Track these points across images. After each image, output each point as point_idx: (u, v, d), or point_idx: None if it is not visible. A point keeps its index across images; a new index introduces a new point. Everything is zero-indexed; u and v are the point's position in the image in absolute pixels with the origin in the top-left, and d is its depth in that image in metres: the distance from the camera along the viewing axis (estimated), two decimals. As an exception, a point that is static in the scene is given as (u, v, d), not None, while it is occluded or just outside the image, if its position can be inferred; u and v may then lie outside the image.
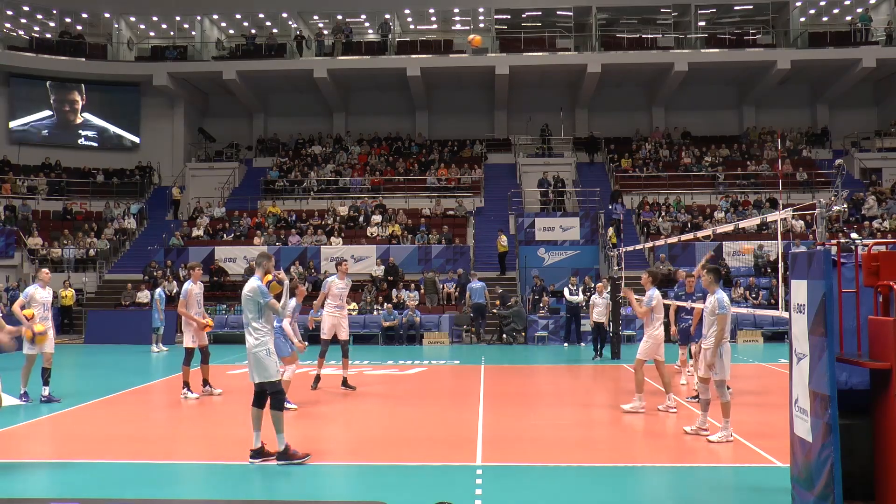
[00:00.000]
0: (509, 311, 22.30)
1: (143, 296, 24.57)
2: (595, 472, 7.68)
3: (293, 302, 10.94)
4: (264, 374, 7.72)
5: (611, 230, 26.63)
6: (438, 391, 13.53)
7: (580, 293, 21.22)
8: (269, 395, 7.76)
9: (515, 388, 13.66)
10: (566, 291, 21.53)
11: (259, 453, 7.77)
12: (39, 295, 11.65)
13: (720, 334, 8.59)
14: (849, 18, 33.97)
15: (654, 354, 10.66)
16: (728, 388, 8.82)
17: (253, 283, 7.78)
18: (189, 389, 12.04)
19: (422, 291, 24.54)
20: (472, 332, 22.96)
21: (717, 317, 8.62)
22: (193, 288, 12.24)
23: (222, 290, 25.84)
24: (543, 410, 11.01)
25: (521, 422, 10.03)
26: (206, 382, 12.45)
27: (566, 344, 21.48)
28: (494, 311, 22.83)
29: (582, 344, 21.04)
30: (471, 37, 12.48)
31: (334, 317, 12.61)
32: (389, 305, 23.24)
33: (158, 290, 21.67)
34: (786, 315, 6.57)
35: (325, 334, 12.64)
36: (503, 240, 26.29)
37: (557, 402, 11.96)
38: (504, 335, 22.33)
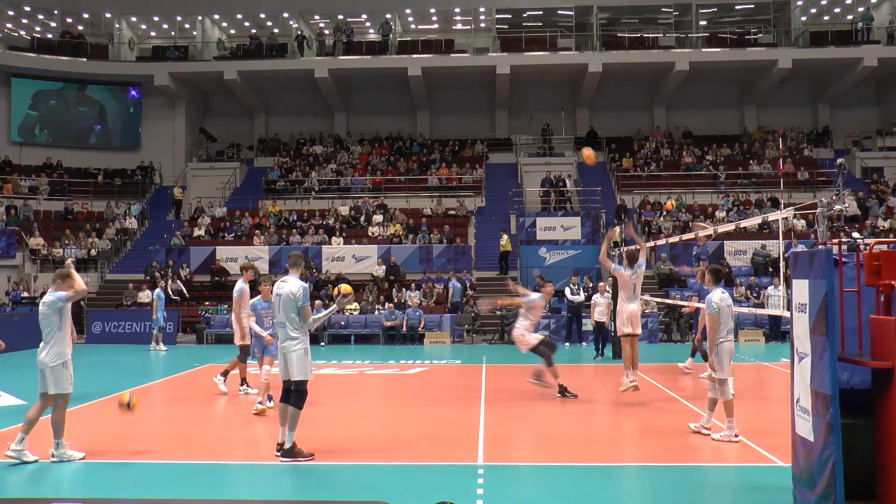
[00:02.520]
0: (512, 311, 22.27)
1: (145, 296, 24.58)
2: (596, 471, 7.68)
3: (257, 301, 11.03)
4: (301, 372, 7.80)
5: (615, 229, 26.61)
6: (440, 391, 13.52)
7: (581, 293, 21.22)
8: (294, 393, 7.84)
9: (517, 387, 13.65)
10: (567, 291, 21.52)
11: (283, 446, 7.88)
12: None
13: (710, 333, 8.83)
14: (850, 18, 33.95)
15: (622, 327, 11.00)
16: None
17: (296, 285, 7.86)
18: (248, 385, 12.30)
19: (423, 291, 24.55)
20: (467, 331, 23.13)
21: (708, 316, 8.91)
22: (246, 287, 12.36)
23: (224, 290, 25.82)
24: (545, 410, 11.01)
25: (523, 421, 10.03)
26: (225, 373, 12.58)
27: (567, 343, 21.47)
28: (498, 311, 22.87)
29: (583, 343, 21.03)
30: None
31: None
32: (391, 305, 23.24)
33: (157, 290, 21.65)
34: (787, 314, 6.57)
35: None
36: (503, 239, 26.27)
37: (559, 402, 11.94)
38: (505, 335, 22.32)
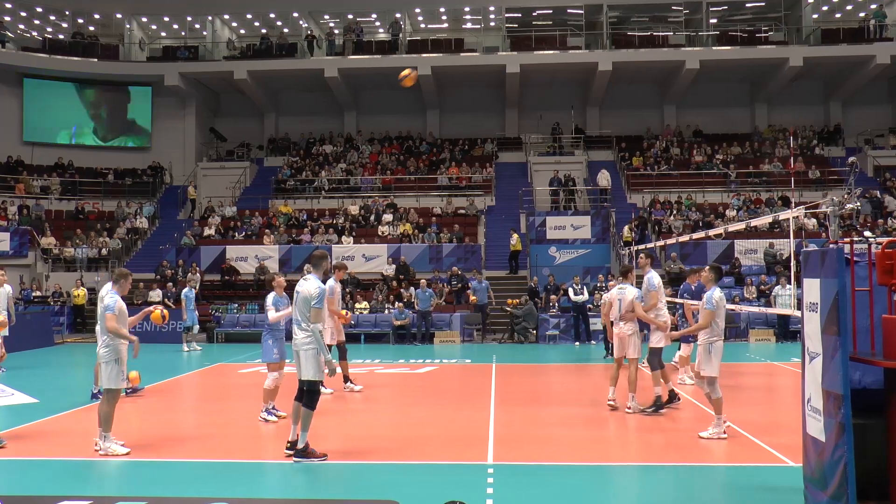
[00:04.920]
0: (521, 309, 22.28)
1: (155, 295, 24.64)
2: (606, 471, 7.66)
3: (271, 297, 10.53)
4: (313, 371, 7.83)
5: (626, 228, 26.57)
6: (450, 390, 13.52)
7: (585, 292, 21.18)
8: (305, 392, 7.87)
9: (526, 386, 13.64)
10: (570, 291, 21.50)
11: (295, 446, 7.92)
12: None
13: (699, 327, 8.91)
14: (862, 15, 33.73)
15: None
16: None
17: (314, 285, 7.87)
18: (353, 382, 12.56)
19: (433, 290, 24.53)
20: (479, 331, 23.00)
21: (703, 311, 8.93)
22: (337, 286, 12.42)
23: (234, 290, 25.93)
24: (554, 409, 10.98)
25: (533, 420, 10.02)
26: (346, 379, 12.68)
27: (577, 343, 21.45)
28: (508, 309, 22.82)
29: (592, 342, 21.00)
30: (405, 73, 12.85)
31: None
32: (401, 304, 23.25)
33: (186, 290, 21.37)
34: (797, 314, 6.53)
35: None
36: (514, 238, 26.22)
37: (568, 401, 11.93)
38: (515, 334, 22.33)
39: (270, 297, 10.37)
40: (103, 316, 8.41)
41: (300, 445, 7.81)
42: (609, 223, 27.15)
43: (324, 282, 8.25)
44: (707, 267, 9.52)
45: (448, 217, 29.27)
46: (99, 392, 11.52)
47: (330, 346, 12.23)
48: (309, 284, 7.91)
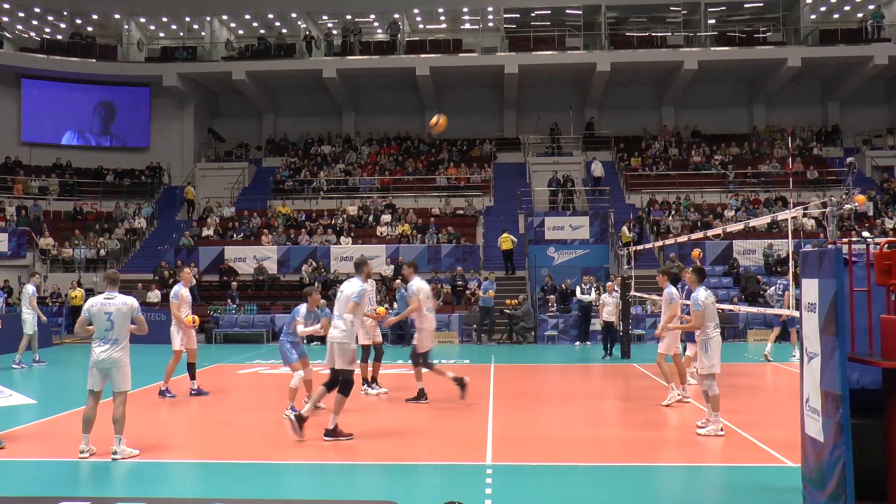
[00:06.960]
0: (519, 310, 22.28)
1: (154, 296, 24.63)
2: (605, 471, 7.66)
3: (303, 308, 10.48)
4: (345, 362, 8.67)
5: (624, 228, 26.58)
6: (448, 390, 13.51)
7: (593, 292, 21.19)
8: (341, 382, 8.69)
9: (525, 387, 13.64)
10: (578, 290, 21.50)
11: (333, 433, 8.60)
12: (186, 294, 12.22)
13: (691, 327, 9.32)
14: (860, 16, 33.79)
15: (670, 348, 11.20)
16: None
17: (356, 285, 8.93)
18: (370, 386, 12.47)
19: (431, 291, 24.51)
20: (480, 332, 22.92)
21: (693, 313, 9.16)
22: (364, 285, 12.21)
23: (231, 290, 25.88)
24: (553, 410, 10.99)
25: (531, 421, 10.02)
26: (368, 380, 12.56)
27: (578, 343, 21.45)
28: (506, 310, 22.80)
29: (588, 343, 21.00)
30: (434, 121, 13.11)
31: None
32: (401, 305, 23.20)
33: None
34: (796, 314, 6.54)
35: None
36: (499, 239, 26.06)
37: (567, 402, 11.93)
38: (514, 334, 22.32)
39: (302, 309, 10.32)
40: (127, 317, 8.03)
41: (330, 426, 8.56)
42: (608, 224, 27.15)
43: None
44: (690, 269, 9.67)
45: (446, 217, 29.26)
46: (167, 390, 12.00)
47: (364, 348, 12.24)
48: (352, 285, 8.98)
